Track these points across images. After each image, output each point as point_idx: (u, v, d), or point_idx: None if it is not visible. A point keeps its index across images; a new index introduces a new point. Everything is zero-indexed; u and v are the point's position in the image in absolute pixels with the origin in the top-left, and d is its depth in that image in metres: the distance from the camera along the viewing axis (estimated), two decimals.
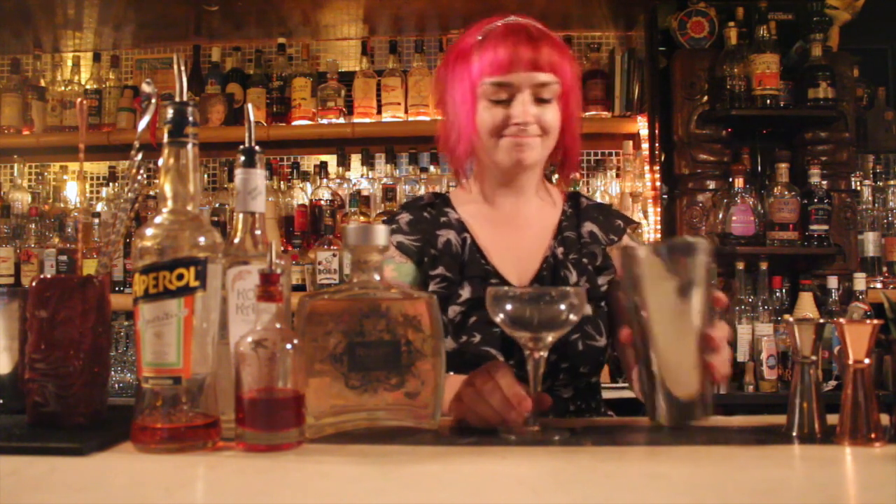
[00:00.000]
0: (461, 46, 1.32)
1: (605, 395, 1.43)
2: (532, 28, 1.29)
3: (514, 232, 1.35)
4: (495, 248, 1.35)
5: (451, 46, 1.37)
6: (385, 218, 1.61)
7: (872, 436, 0.83)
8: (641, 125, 2.83)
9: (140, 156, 0.94)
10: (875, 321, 0.85)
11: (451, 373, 1.15)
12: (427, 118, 2.83)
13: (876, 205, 2.85)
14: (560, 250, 1.33)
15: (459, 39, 1.35)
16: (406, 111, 2.89)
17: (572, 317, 0.90)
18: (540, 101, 1.27)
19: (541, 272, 1.31)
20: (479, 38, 1.29)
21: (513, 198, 1.38)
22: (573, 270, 1.31)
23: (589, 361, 1.28)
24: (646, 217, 2.75)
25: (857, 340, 0.84)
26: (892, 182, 2.89)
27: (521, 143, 1.27)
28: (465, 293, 1.28)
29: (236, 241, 0.92)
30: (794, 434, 0.88)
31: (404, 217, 1.38)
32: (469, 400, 0.95)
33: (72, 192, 3.08)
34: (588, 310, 0.94)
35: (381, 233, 0.91)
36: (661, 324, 0.92)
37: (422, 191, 2.77)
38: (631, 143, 2.87)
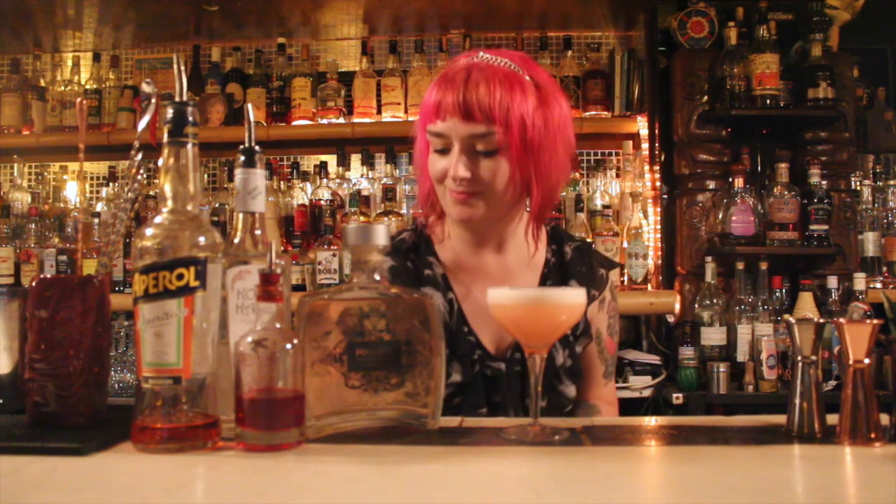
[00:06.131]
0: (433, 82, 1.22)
1: None
2: (474, 70, 1.13)
3: None
4: (475, 313, 1.24)
5: None
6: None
7: (872, 436, 0.83)
8: (641, 125, 2.82)
9: (140, 156, 0.94)
10: (875, 321, 0.85)
11: None
12: None
13: (876, 205, 2.85)
14: None
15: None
16: (406, 111, 2.89)
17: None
18: (479, 153, 1.15)
19: (517, 344, 1.18)
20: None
21: (490, 251, 1.28)
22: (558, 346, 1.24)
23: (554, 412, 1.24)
24: (646, 217, 2.75)
25: (857, 340, 0.84)
26: (892, 182, 2.89)
27: (459, 201, 1.17)
28: (456, 376, 1.18)
29: (236, 241, 0.92)
30: (794, 434, 0.88)
31: (388, 263, 1.27)
32: None
33: (72, 192, 3.08)
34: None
35: (381, 233, 0.91)
36: None
37: None
38: (631, 143, 2.87)
